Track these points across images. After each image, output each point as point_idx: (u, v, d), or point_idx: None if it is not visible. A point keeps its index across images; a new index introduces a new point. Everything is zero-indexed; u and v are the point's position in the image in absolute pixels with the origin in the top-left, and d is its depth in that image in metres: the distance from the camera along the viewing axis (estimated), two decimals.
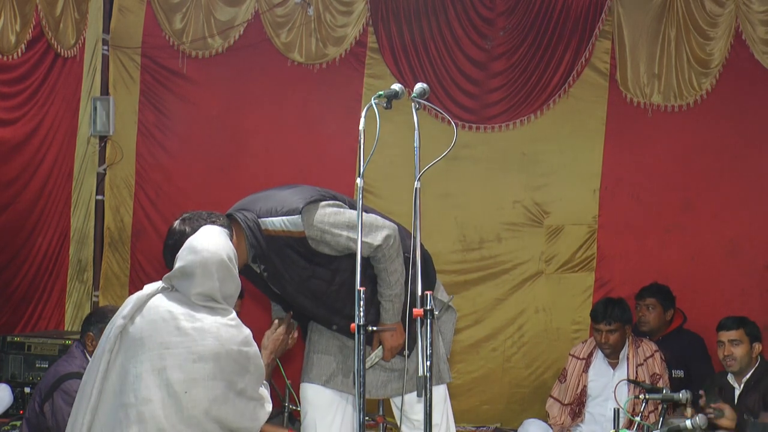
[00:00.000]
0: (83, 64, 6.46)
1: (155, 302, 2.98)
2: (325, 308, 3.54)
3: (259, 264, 3.46)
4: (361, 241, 2.95)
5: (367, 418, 2.90)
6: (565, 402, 5.34)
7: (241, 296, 4.00)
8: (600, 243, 6.08)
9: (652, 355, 5.22)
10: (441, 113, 3.46)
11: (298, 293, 3.50)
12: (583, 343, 5.48)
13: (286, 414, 4.70)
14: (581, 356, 5.36)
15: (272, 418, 4.43)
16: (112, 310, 3.99)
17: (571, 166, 6.13)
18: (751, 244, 5.84)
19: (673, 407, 4.88)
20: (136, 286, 6.34)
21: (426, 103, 3.23)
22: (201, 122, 6.57)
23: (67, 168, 6.40)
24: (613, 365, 5.25)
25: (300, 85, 6.43)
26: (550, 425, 5.32)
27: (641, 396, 4.45)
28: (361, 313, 2.81)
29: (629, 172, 6.08)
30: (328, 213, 3.38)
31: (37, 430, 4.25)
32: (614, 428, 4.11)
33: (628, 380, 5.06)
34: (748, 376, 4.84)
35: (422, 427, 2.95)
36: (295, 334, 3.65)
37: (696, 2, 5.84)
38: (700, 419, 3.99)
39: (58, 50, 6.08)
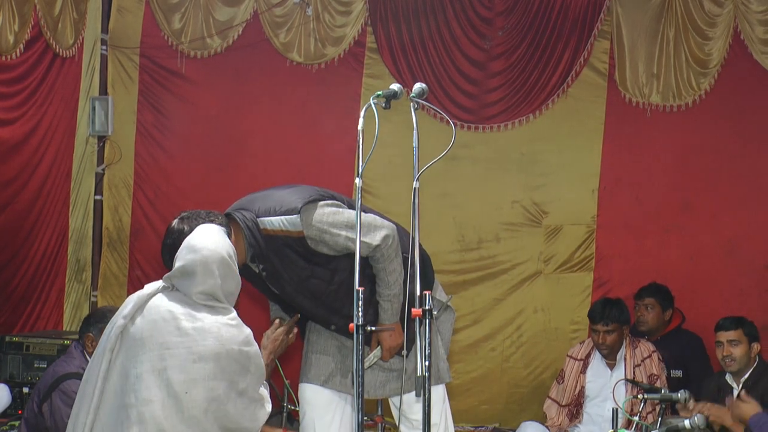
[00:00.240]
0: (82, 64, 6.46)
1: (156, 302, 2.97)
2: (324, 308, 3.54)
3: (257, 264, 3.46)
4: (360, 241, 2.95)
5: (365, 418, 2.89)
6: (563, 403, 5.34)
7: None
8: (598, 243, 6.08)
9: (649, 356, 5.22)
10: (440, 113, 3.45)
11: (297, 293, 3.50)
12: (580, 344, 5.48)
13: (284, 414, 4.69)
14: (579, 357, 5.36)
15: (271, 418, 4.42)
16: (111, 311, 3.98)
17: (570, 166, 6.13)
18: (750, 243, 5.84)
19: (672, 407, 4.88)
20: (134, 286, 6.34)
21: (425, 102, 3.23)
22: (200, 122, 6.57)
23: (65, 168, 6.40)
24: (611, 366, 5.25)
25: (299, 85, 6.43)
26: (547, 427, 5.32)
27: (639, 396, 4.45)
28: (360, 313, 2.81)
29: (628, 172, 6.08)
30: (327, 213, 3.38)
31: (36, 430, 4.25)
32: (613, 428, 4.11)
33: (627, 380, 5.05)
34: (746, 376, 4.84)
35: (421, 426, 2.95)
36: (294, 333, 3.65)
37: (695, 2, 5.85)
38: (698, 419, 3.99)
39: (57, 50, 6.09)
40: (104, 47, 6.61)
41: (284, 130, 6.46)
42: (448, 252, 6.19)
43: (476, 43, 6.20)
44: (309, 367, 3.69)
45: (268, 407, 3.09)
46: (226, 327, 2.95)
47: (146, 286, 3.07)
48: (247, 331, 3.01)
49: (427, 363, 2.87)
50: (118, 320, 2.97)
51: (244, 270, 3.48)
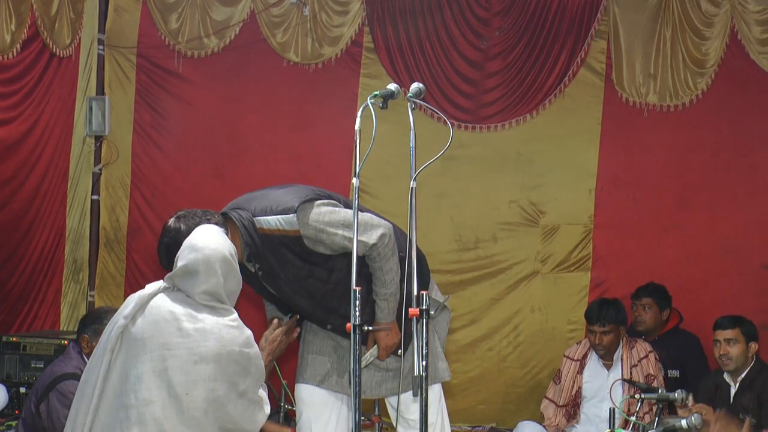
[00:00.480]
0: (79, 64, 6.45)
1: (157, 302, 2.97)
2: (321, 307, 3.53)
3: (253, 263, 3.46)
4: (357, 240, 2.95)
5: (362, 417, 2.89)
6: (560, 403, 5.34)
7: None
8: (596, 243, 6.08)
9: (646, 356, 5.22)
10: (437, 113, 3.46)
11: (293, 292, 3.50)
12: (577, 344, 5.48)
13: (281, 414, 4.69)
14: (576, 357, 5.36)
15: (269, 419, 4.42)
16: (108, 312, 3.99)
17: (567, 166, 6.13)
18: (747, 243, 5.85)
19: (670, 407, 4.88)
20: (131, 286, 6.34)
21: (422, 102, 3.23)
22: (197, 122, 6.56)
23: (62, 168, 6.39)
24: (608, 366, 5.25)
25: (296, 85, 6.43)
26: (544, 427, 5.32)
27: (636, 396, 4.45)
28: (357, 313, 2.81)
29: (625, 172, 6.08)
30: (323, 212, 3.38)
31: (33, 431, 4.25)
32: (610, 428, 4.11)
33: (624, 380, 5.05)
34: (743, 375, 4.84)
35: (418, 426, 2.95)
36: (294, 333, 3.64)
37: (691, 2, 5.86)
38: (695, 419, 3.99)
39: (54, 50, 6.07)
40: (101, 47, 6.61)
41: (281, 129, 6.46)
42: (446, 252, 6.19)
43: (473, 43, 6.20)
44: (305, 367, 3.69)
45: (267, 409, 3.09)
46: (227, 328, 2.94)
47: (147, 286, 3.06)
48: (248, 332, 3.01)
49: (424, 363, 2.87)
50: (118, 320, 2.96)
51: (240, 269, 3.48)
